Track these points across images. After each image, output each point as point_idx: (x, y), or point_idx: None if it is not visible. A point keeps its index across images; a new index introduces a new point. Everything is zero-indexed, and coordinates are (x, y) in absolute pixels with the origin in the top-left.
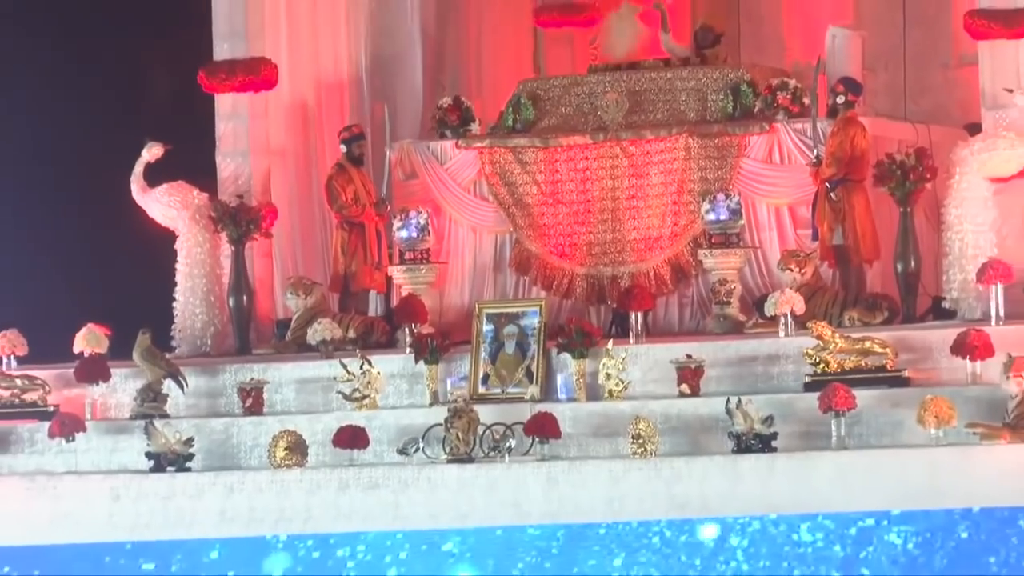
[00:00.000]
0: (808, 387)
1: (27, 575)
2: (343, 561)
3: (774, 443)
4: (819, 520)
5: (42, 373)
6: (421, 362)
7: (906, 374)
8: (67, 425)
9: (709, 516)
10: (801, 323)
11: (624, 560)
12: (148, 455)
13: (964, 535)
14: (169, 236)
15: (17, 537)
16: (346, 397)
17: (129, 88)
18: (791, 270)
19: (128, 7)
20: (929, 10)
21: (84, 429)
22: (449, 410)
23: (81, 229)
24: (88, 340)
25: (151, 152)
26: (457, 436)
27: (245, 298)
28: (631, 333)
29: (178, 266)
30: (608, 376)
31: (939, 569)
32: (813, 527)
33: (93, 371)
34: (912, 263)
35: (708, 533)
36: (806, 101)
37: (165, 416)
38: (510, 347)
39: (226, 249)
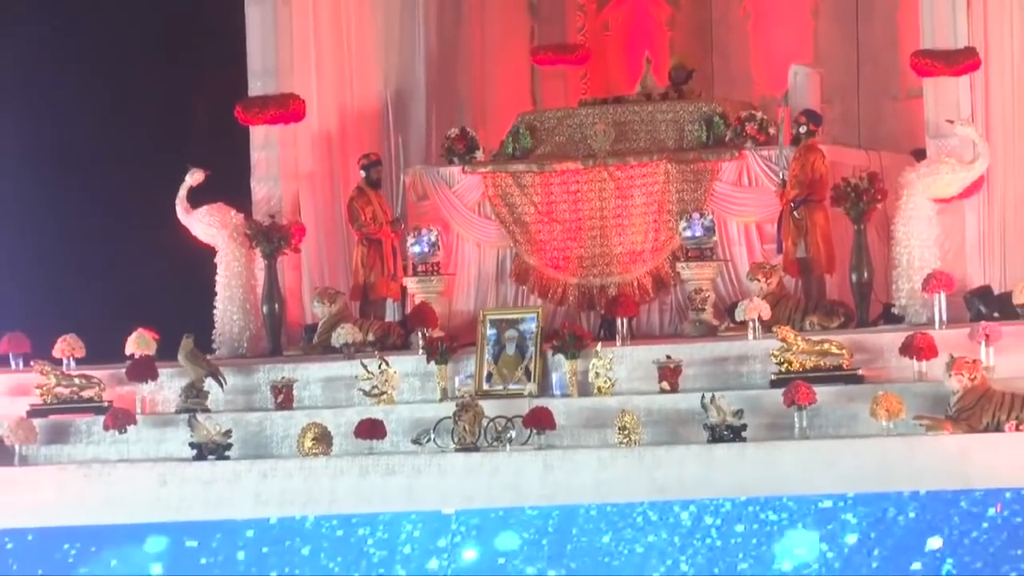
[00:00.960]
0: (774, 384)
1: (85, 551)
2: (364, 539)
3: (744, 433)
4: (784, 501)
5: (97, 372)
6: (432, 362)
7: (860, 372)
8: (120, 419)
9: (686, 498)
10: (767, 327)
11: (611, 537)
12: (191, 445)
13: (912, 515)
14: (209, 252)
15: (76, 518)
16: (366, 393)
17: (174, 121)
18: (758, 280)
19: (174, 49)
20: (879, 49)
21: (135, 422)
22: (457, 405)
23: (132, 245)
24: (138, 343)
25: (193, 177)
26: (464, 428)
27: (277, 306)
28: (617, 336)
29: (218, 278)
30: (597, 374)
31: (890, 545)
32: (779, 508)
33: (143, 371)
34: (865, 274)
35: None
36: (771, 131)
37: (206, 410)
38: (510, 349)
39: (260, 263)
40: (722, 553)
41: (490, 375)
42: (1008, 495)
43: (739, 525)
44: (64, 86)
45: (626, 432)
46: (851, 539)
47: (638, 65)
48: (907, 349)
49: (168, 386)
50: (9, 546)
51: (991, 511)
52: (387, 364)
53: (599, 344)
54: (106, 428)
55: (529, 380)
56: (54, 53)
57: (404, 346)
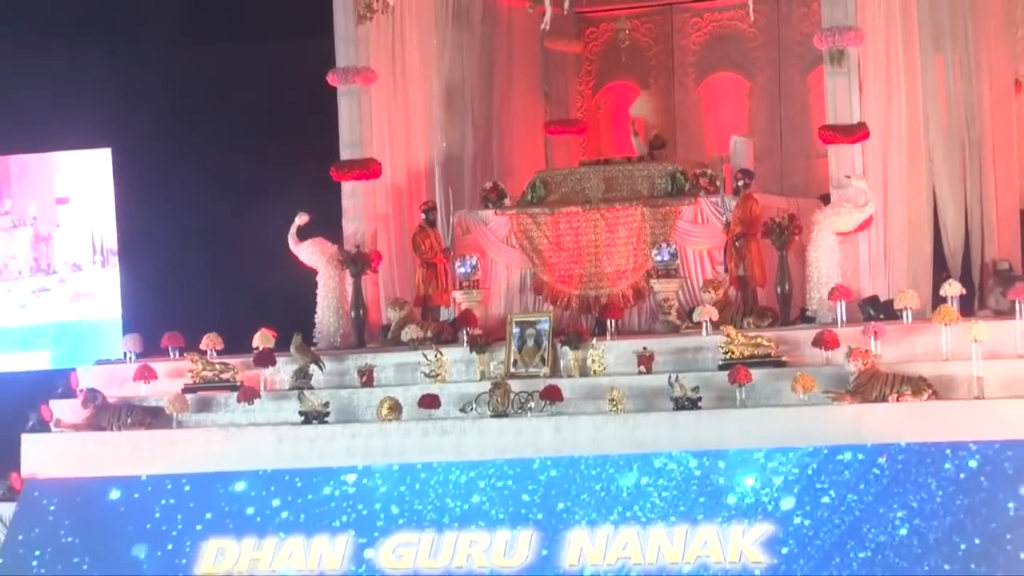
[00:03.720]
0: (721, 368)
1: (226, 490)
2: (426, 480)
3: (699, 404)
4: (728, 453)
5: (232, 360)
6: (474, 352)
7: (784, 359)
8: (249, 394)
9: (658, 451)
10: (716, 326)
11: (604, 479)
12: (300, 413)
13: (822, 462)
14: (312, 272)
15: (219, 466)
16: (426, 375)
17: (288, 177)
18: (709, 292)
19: (289, 126)
20: (796, 122)
21: (259, 397)
22: (492, 383)
23: (257, 268)
24: (262, 339)
25: (301, 219)
26: (497, 400)
27: (361, 311)
28: (607, 333)
29: (318, 291)
30: (593, 361)
31: (805, 484)
32: (724, 458)
33: (265, 359)
34: (787, 287)
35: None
36: (718, 183)
37: (311, 388)
38: (530, 342)
39: (349, 280)
40: (684, 491)
41: (516, 361)
42: (892, 449)
43: (697, 471)
44: (219, 151)
45: (614, 403)
46: (778, 480)
47: (622, 134)
48: (818, 342)
49: (283, 370)
50: (168, 487)
51: (880, 460)
52: (441, 354)
53: (594, 338)
54: (239, 401)
55: (544, 365)
56: (223, 129)
57: (453, 340)
